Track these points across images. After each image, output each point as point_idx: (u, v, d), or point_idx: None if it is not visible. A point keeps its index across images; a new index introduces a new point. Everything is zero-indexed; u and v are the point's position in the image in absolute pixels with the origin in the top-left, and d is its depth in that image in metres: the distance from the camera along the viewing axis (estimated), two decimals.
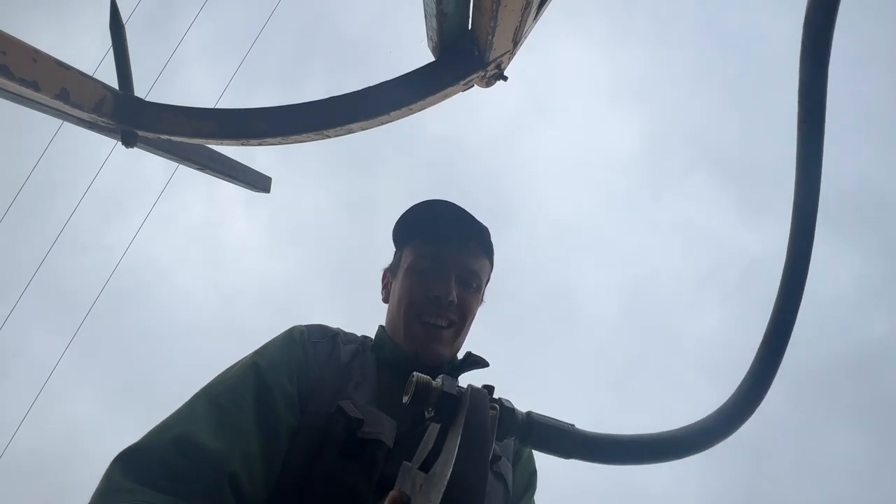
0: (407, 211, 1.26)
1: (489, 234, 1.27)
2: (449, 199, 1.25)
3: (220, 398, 0.98)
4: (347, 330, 1.26)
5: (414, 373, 0.67)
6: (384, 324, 1.28)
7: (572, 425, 0.73)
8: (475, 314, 1.26)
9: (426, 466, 0.66)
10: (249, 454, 0.93)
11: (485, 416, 0.62)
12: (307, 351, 1.11)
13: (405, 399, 0.66)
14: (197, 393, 1.01)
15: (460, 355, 1.27)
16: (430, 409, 0.66)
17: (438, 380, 0.66)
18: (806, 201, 0.76)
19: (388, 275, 1.32)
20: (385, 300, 1.31)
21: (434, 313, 1.18)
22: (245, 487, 0.90)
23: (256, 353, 1.10)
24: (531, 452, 1.24)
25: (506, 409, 0.70)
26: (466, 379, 1.25)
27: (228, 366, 1.09)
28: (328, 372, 1.09)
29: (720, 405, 0.79)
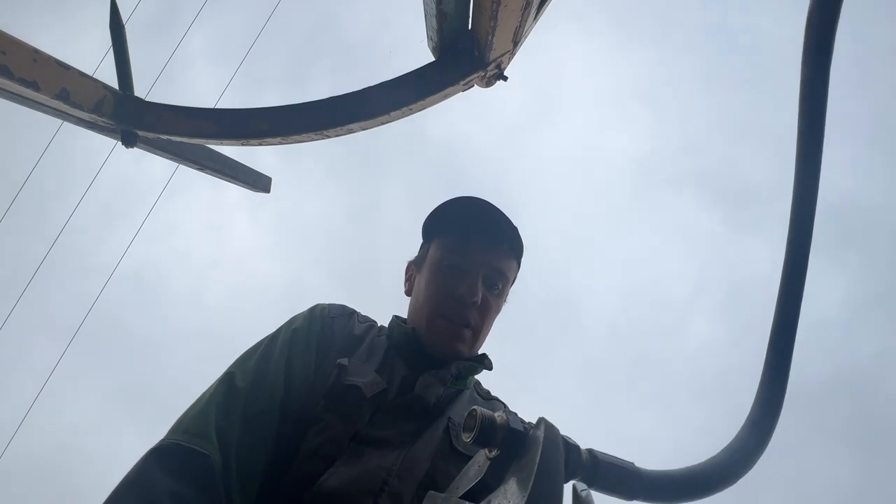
0: (441, 205, 1.24)
1: (520, 237, 1.25)
2: (485, 198, 1.22)
3: (234, 377, 1.06)
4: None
5: (476, 408, 0.61)
6: (405, 316, 1.28)
7: (632, 463, 0.65)
8: (497, 315, 1.26)
9: (474, 497, 0.61)
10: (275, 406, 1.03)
11: (559, 457, 0.57)
12: (325, 324, 1.19)
13: (467, 438, 0.60)
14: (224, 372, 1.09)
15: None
16: (492, 448, 0.61)
17: (501, 414, 0.61)
18: (804, 207, 0.74)
19: (413, 267, 1.30)
20: (408, 293, 1.30)
21: (457, 312, 1.16)
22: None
23: (281, 326, 1.17)
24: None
25: (571, 448, 0.62)
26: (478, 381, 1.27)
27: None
28: (340, 339, 1.17)
29: (745, 419, 0.73)
